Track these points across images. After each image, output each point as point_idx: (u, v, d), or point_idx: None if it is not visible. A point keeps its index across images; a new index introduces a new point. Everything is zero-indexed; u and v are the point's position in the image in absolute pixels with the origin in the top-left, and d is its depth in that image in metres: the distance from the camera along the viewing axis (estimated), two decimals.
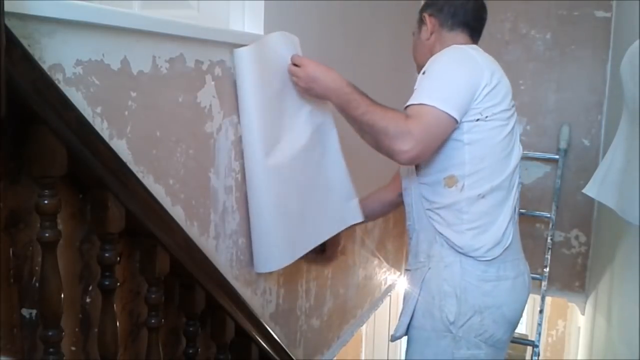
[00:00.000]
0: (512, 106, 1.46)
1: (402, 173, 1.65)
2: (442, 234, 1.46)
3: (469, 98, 1.36)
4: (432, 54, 1.48)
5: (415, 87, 1.41)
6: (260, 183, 1.48)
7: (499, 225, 1.44)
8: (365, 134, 1.41)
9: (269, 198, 1.50)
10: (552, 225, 3.12)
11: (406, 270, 1.63)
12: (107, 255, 1.02)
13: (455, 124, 1.36)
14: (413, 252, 1.59)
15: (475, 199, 1.42)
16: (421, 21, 1.58)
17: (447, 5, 1.53)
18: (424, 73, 1.39)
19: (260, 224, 1.51)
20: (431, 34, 1.54)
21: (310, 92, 1.49)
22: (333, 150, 1.67)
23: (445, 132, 1.36)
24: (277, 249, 1.56)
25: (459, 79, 1.37)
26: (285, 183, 1.53)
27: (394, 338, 1.56)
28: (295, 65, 1.48)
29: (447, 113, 1.32)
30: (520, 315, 1.54)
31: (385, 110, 1.36)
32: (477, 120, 1.38)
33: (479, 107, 1.37)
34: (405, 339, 1.59)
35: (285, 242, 1.57)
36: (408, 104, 1.36)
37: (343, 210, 1.73)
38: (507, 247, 1.46)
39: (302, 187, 1.60)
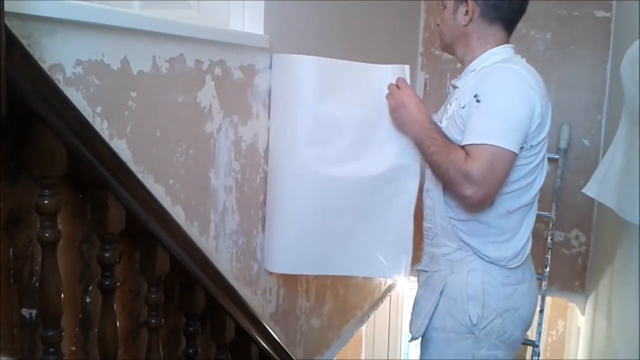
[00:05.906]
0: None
1: (427, 172, 1.57)
2: (467, 243, 1.46)
3: (526, 131, 1.33)
4: (466, 44, 1.45)
5: (461, 108, 1.37)
6: (302, 183, 1.52)
7: (521, 237, 1.46)
8: (435, 175, 1.43)
9: (306, 201, 1.54)
10: (552, 225, 3.11)
11: (419, 271, 1.62)
12: (107, 255, 1.02)
13: (515, 158, 1.32)
14: (429, 254, 1.57)
15: (504, 215, 1.42)
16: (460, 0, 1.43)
17: None
18: (477, 100, 1.32)
19: (287, 223, 1.56)
20: (470, 20, 1.43)
21: (394, 114, 1.50)
22: (405, 197, 1.61)
23: (508, 169, 1.33)
24: (296, 253, 1.59)
25: (518, 112, 1.31)
26: (332, 196, 1.56)
27: (412, 338, 1.56)
28: (397, 86, 1.50)
29: (509, 150, 1.29)
30: (533, 315, 1.56)
31: (449, 151, 1.33)
32: (521, 148, 1.34)
33: (527, 136, 1.34)
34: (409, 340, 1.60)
35: (307, 251, 1.60)
36: (467, 142, 1.31)
37: (388, 259, 1.66)
38: (527, 255, 1.50)
39: (352, 210, 1.59)
